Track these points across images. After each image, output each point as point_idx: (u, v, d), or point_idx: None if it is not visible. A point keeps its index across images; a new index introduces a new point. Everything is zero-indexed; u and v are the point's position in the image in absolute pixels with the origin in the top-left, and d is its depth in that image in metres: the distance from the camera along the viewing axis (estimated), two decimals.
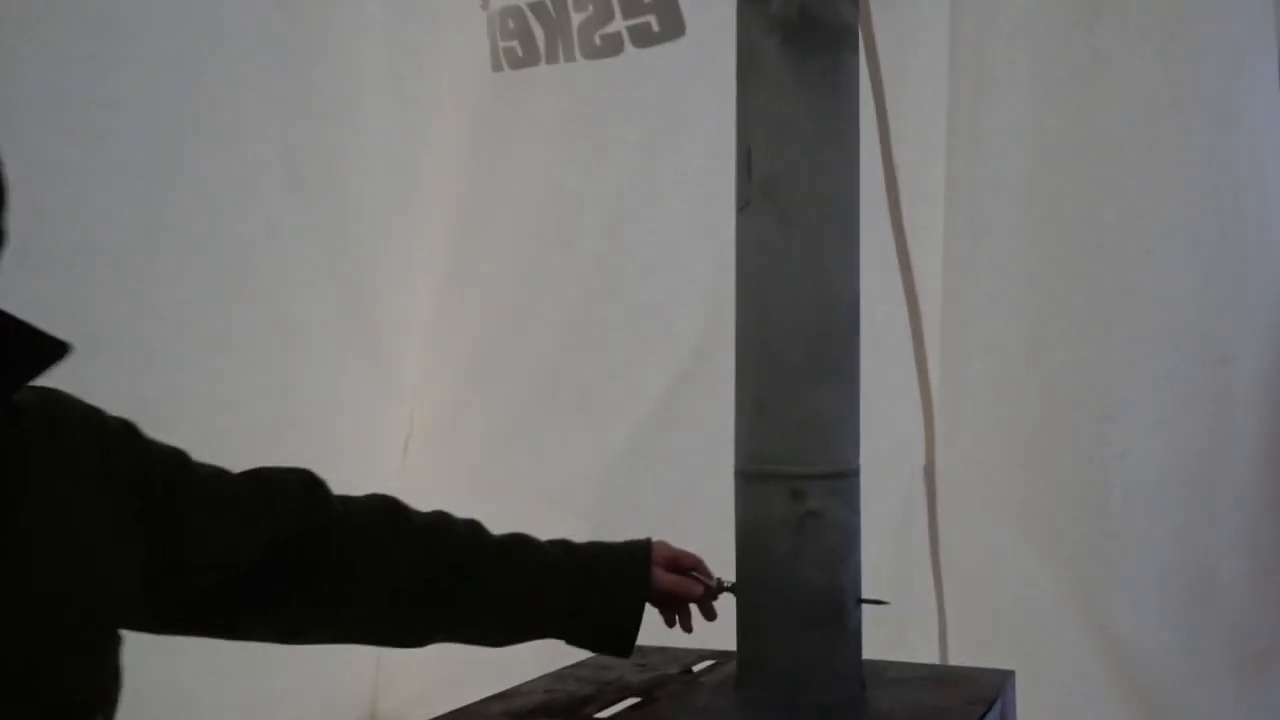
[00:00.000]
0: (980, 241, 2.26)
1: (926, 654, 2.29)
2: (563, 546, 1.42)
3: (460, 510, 1.39)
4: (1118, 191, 2.11)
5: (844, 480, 1.42)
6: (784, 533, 1.39)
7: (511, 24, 2.67)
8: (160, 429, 1.14)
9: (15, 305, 0.94)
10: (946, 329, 2.34)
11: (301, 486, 1.26)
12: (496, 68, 2.70)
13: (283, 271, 2.48)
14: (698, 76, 2.37)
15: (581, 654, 1.52)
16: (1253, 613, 2.12)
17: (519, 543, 1.39)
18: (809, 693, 1.39)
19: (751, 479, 1.43)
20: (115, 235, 2.11)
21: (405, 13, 2.70)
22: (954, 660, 2.32)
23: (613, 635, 1.41)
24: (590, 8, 2.55)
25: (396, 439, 2.86)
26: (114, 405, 1.11)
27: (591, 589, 1.39)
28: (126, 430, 1.10)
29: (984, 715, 1.35)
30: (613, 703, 1.44)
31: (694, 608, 1.49)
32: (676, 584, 1.45)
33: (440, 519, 1.36)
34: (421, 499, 1.37)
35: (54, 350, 0.95)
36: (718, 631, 1.49)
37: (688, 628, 1.50)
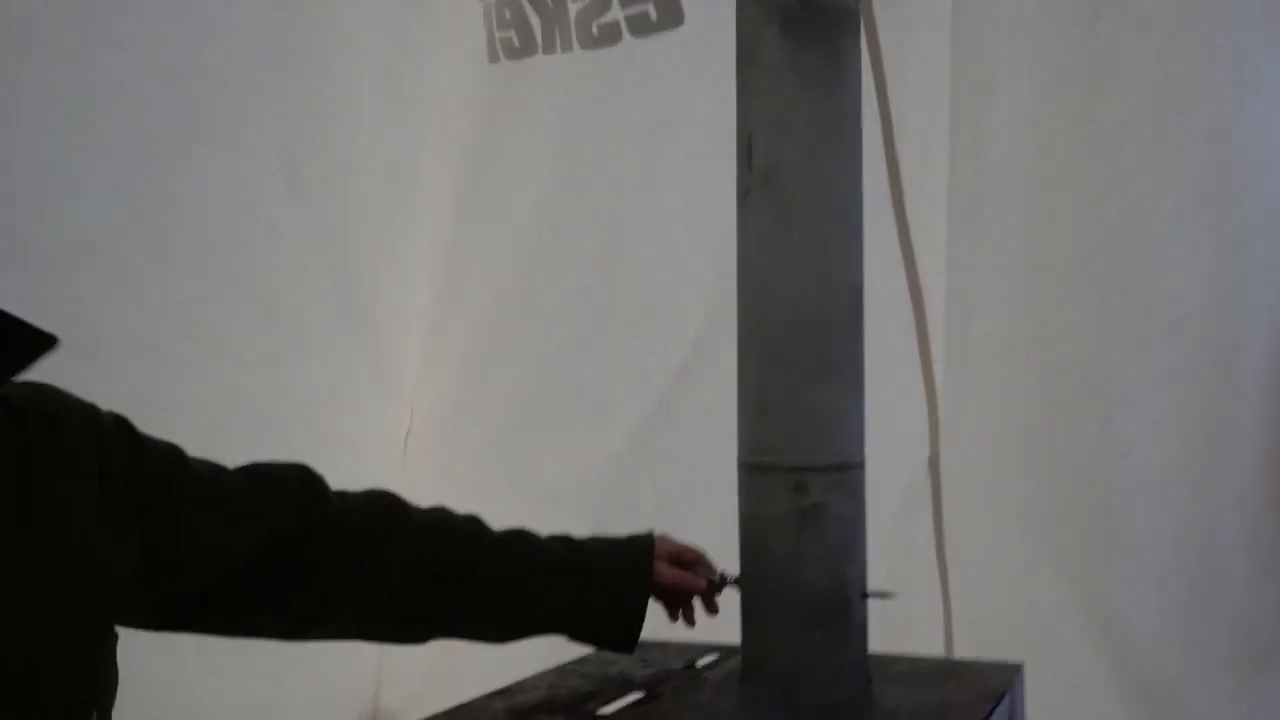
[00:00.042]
0: (983, 233, 2.25)
1: (931, 646, 2.28)
2: (564, 542, 1.40)
3: (461, 507, 1.37)
4: (1121, 185, 2.10)
5: (848, 473, 1.40)
6: (787, 526, 1.38)
7: (508, 14, 2.66)
8: (159, 428, 1.14)
9: (15, 305, 0.93)
10: (950, 321, 2.32)
11: (299, 483, 1.25)
12: (493, 59, 2.69)
13: (281, 269, 2.47)
14: (697, 65, 2.35)
15: (584, 649, 1.50)
16: (1256, 610, 2.11)
17: (520, 538, 1.38)
18: (814, 689, 1.38)
19: (754, 472, 1.42)
20: (114, 234, 2.11)
21: (404, 7, 2.68)
22: (959, 652, 2.31)
23: (616, 632, 1.40)
24: None
25: (397, 437, 2.85)
26: (113, 404, 1.10)
27: (594, 585, 1.38)
28: (122, 427, 1.09)
29: (993, 711, 1.33)
30: (615, 699, 1.43)
31: (697, 602, 1.48)
32: (679, 578, 1.44)
33: (440, 515, 1.35)
34: (422, 496, 1.36)
35: (42, 343, 0.94)
36: (721, 627, 1.48)
37: (690, 622, 1.49)
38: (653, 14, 2.47)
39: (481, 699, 1.46)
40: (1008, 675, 1.49)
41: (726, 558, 1.46)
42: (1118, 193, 2.10)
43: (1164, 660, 2.16)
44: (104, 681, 0.99)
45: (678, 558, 1.45)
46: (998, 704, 1.37)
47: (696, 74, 2.35)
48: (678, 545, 1.47)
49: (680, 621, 1.49)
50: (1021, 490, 2.26)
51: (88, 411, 1.06)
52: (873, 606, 1.44)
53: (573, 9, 2.56)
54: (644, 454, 2.58)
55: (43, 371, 0.98)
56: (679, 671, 1.56)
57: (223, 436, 1.22)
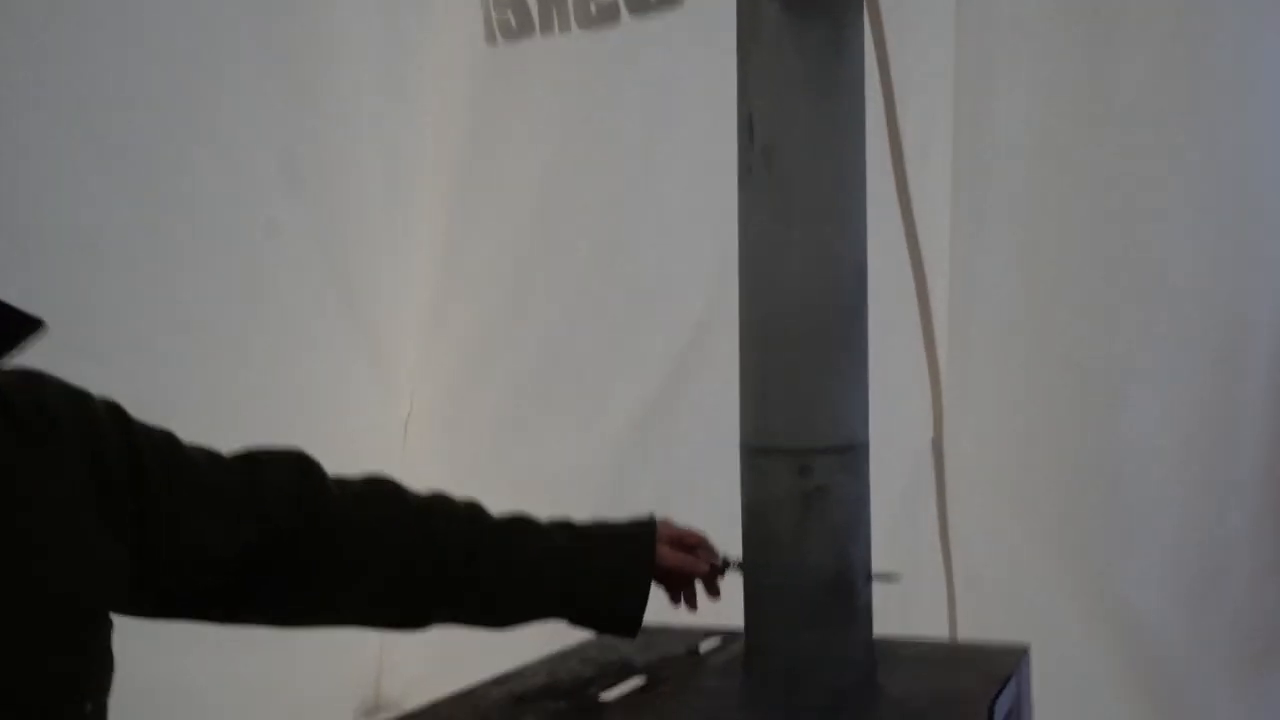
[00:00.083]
0: (988, 213, 2.24)
1: (934, 629, 2.27)
2: (565, 527, 1.39)
3: (461, 494, 1.36)
4: (1129, 160, 2.08)
5: (852, 454, 1.39)
6: (791, 509, 1.36)
7: None
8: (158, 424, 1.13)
9: (13, 302, 0.93)
10: (953, 301, 2.31)
11: (296, 471, 1.24)
12: (490, 40, 2.67)
13: (280, 263, 2.47)
14: (697, 44, 2.32)
15: (585, 634, 1.49)
16: (1261, 595, 2.10)
17: (520, 524, 1.37)
18: (818, 674, 1.37)
19: (757, 454, 1.40)
20: (113, 232, 2.10)
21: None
22: (962, 635, 2.30)
23: (618, 618, 1.39)
24: None
25: (396, 428, 2.84)
26: None
27: (595, 571, 1.36)
28: (115, 415, 1.08)
29: (999, 694, 1.32)
30: (617, 684, 1.42)
31: (699, 586, 1.47)
32: (681, 562, 1.43)
33: (439, 500, 1.34)
34: (422, 484, 1.35)
35: (26, 326, 0.93)
36: (724, 611, 1.47)
37: (693, 606, 1.48)
38: None
39: (481, 685, 1.45)
40: (1014, 658, 1.48)
41: (729, 542, 1.45)
42: (1124, 175, 2.09)
43: (1167, 646, 2.16)
44: (98, 671, 0.98)
45: (679, 541, 1.44)
46: (1004, 687, 1.35)
47: (696, 52, 2.32)
48: (679, 529, 1.46)
49: (682, 606, 1.48)
50: (1025, 472, 2.25)
51: (80, 399, 1.05)
52: (875, 590, 1.43)
53: None
54: (646, 439, 2.57)
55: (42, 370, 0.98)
56: (681, 656, 1.55)
57: (222, 431, 1.21)
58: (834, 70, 1.38)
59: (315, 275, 2.55)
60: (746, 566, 1.43)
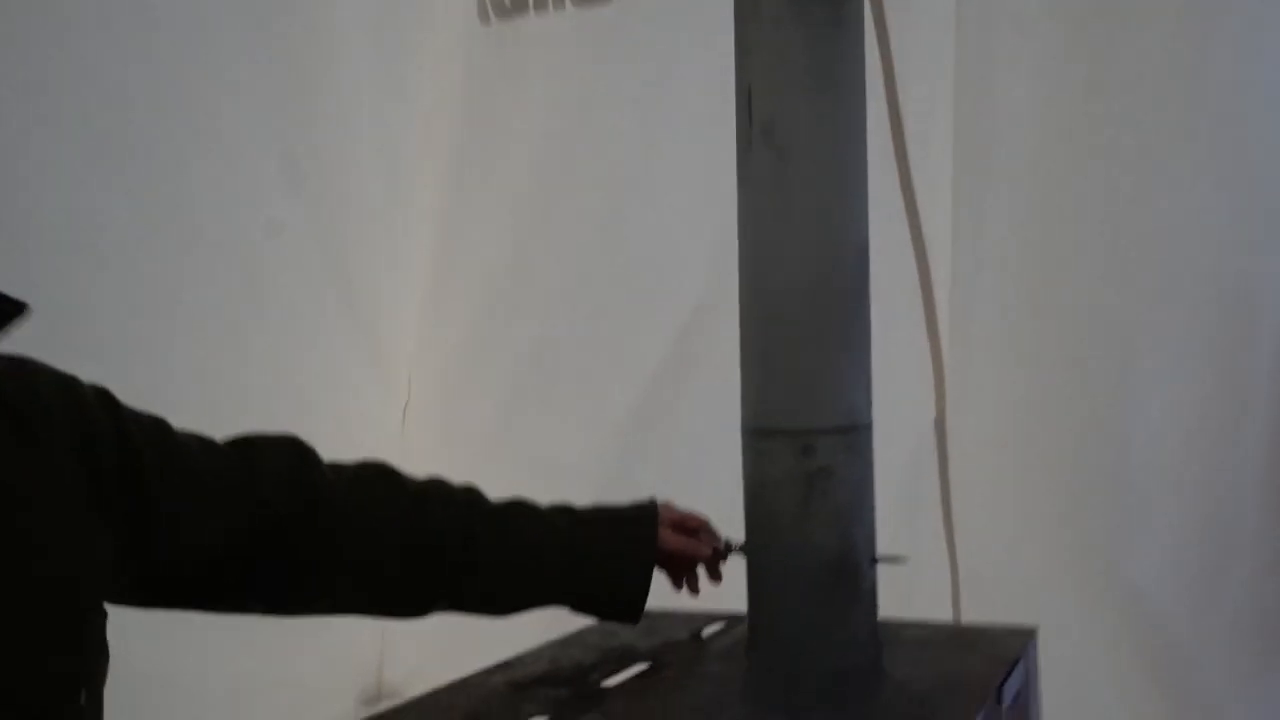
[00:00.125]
0: (990, 188, 2.22)
1: (937, 611, 2.26)
2: (565, 512, 1.37)
3: (461, 479, 1.34)
4: (1136, 126, 2.06)
5: (855, 434, 1.37)
6: (794, 491, 1.35)
7: None
8: None
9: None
10: (956, 279, 2.29)
11: (291, 455, 1.22)
12: (484, 18, 2.64)
13: (280, 258, 2.46)
14: (693, 18, 2.29)
15: (587, 620, 1.48)
16: (1269, 575, 2.08)
17: (519, 509, 1.35)
18: (822, 658, 1.35)
19: (759, 436, 1.38)
20: (113, 233, 2.10)
21: None
22: (966, 617, 2.29)
23: (620, 604, 1.37)
24: None
25: (396, 428, 2.84)
26: None
27: (596, 557, 1.35)
28: (105, 402, 1.06)
29: (1007, 677, 1.30)
30: (619, 670, 1.41)
31: (701, 570, 1.45)
32: (683, 545, 1.41)
33: (436, 485, 1.32)
34: (421, 470, 1.33)
35: (10, 310, 0.91)
36: (727, 595, 1.45)
37: (695, 590, 1.46)
38: None
39: (482, 673, 1.44)
40: (1021, 640, 1.46)
41: (732, 526, 1.43)
42: (1129, 144, 2.07)
43: (1173, 624, 2.15)
44: (93, 661, 0.97)
45: (681, 525, 1.42)
46: (1012, 670, 1.34)
47: (693, 27, 2.30)
48: (681, 512, 1.44)
49: (684, 590, 1.46)
50: (1030, 452, 2.24)
51: (69, 385, 1.03)
52: (879, 571, 1.41)
53: None
54: (646, 422, 2.55)
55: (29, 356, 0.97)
56: (684, 641, 1.54)
57: (221, 432, 1.21)
58: (834, 44, 1.35)
59: (315, 275, 2.54)
60: (749, 550, 1.41)
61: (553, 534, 1.34)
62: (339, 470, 1.25)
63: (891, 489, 2.08)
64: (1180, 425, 2.12)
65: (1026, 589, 2.20)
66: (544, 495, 1.39)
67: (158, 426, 1.11)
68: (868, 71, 1.42)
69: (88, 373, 1.05)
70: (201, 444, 1.15)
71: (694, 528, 1.43)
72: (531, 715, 1.27)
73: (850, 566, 1.36)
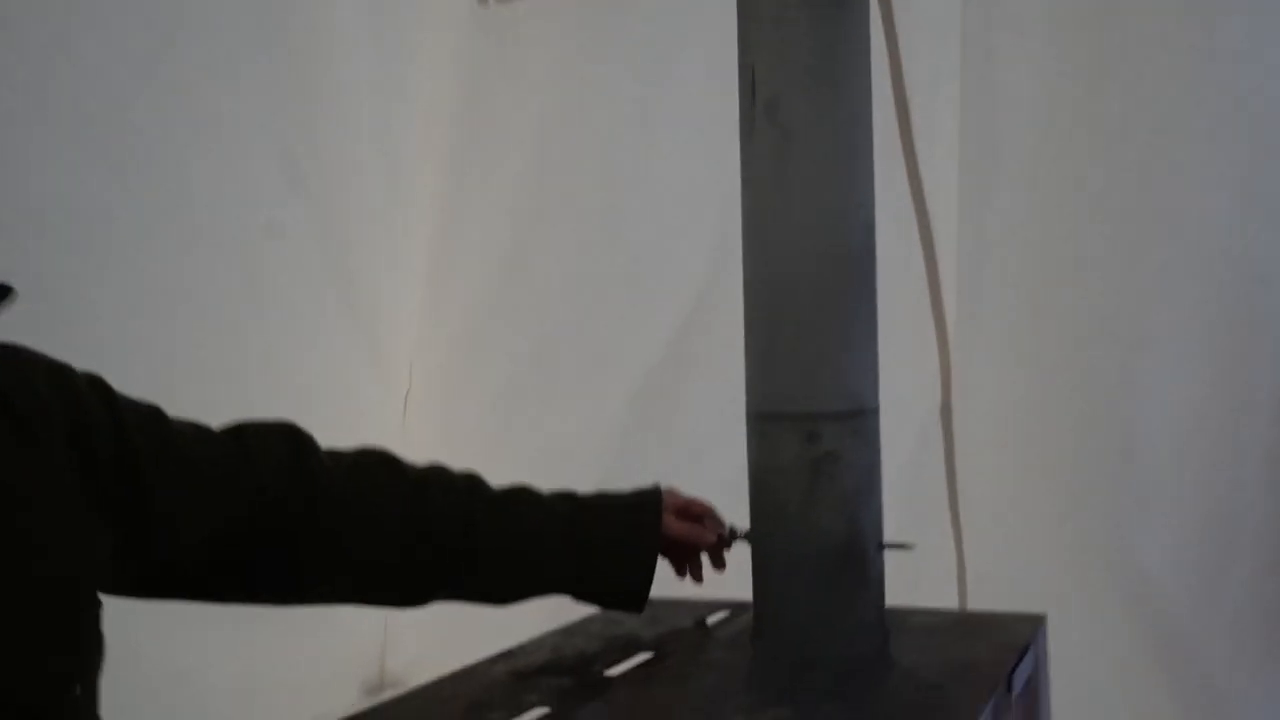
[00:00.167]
0: (997, 170, 2.20)
1: (943, 598, 2.25)
2: (568, 499, 1.36)
3: (463, 467, 1.33)
4: (1144, 108, 2.04)
5: (862, 419, 1.35)
6: (799, 477, 1.33)
7: None
8: None
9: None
10: (962, 262, 2.28)
11: (287, 442, 1.21)
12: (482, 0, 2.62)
13: (279, 256, 2.44)
14: (693, 18, 2.28)
15: (591, 609, 1.46)
16: (1275, 570, 2.07)
17: (521, 496, 1.33)
18: (829, 645, 1.33)
19: (764, 421, 1.36)
20: (113, 233, 2.08)
21: None
22: (972, 603, 2.28)
23: (623, 593, 1.36)
24: None
25: (396, 428, 2.82)
26: None
27: (599, 545, 1.33)
28: (99, 389, 1.05)
29: (1018, 664, 1.29)
30: (623, 659, 1.39)
31: (705, 557, 1.44)
32: (687, 532, 1.39)
33: (435, 471, 1.31)
34: (422, 458, 1.32)
35: None
36: (732, 582, 1.44)
37: (698, 578, 1.45)
38: None
39: (484, 662, 1.42)
40: (1030, 627, 1.45)
41: (736, 512, 1.42)
42: (1139, 125, 2.06)
43: (1181, 611, 2.15)
44: (87, 653, 0.95)
45: (685, 511, 1.41)
46: (1022, 657, 1.32)
47: (693, 26, 2.29)
48: (685, 498, 1.42)
49: (688, 578, 1.45)
50: (1036, 437, 2.23)
51: (62, 374, 1.02)
52: (885, 558, 1.39)
53: None
54: (649, 407, 2.54)
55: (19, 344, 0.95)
56: (688, 630, 1.52)
57: (219, 421, 1.19)
58: (838, 24, 1.33)
59: (315, 275, 2.53)
60: (754, 536, 1.39)
61: (554, 521, 1.32)
62: (338, 457, 1.24)
63: (897, 475, 2.08)
64: (1183, 420, 2.11)
65: (1030, 580, 2.19)
66: (547, 482, 1.37)
67: (153, 415, 1.10)
68: (873, 68, 1.40)
69: (84, 368, 1.04)
70: (197, 432, 1.14)
71: (698, 514, 1.42)
72: (534, 705, 1.26)
73: (857, 553, 1.34)
